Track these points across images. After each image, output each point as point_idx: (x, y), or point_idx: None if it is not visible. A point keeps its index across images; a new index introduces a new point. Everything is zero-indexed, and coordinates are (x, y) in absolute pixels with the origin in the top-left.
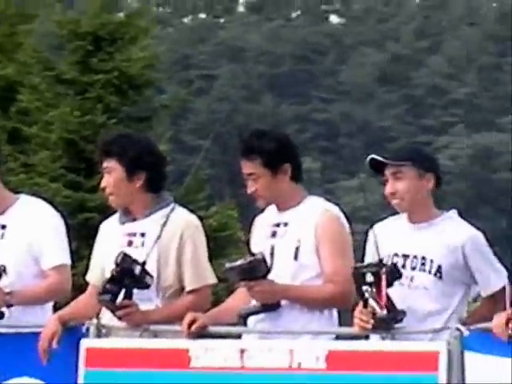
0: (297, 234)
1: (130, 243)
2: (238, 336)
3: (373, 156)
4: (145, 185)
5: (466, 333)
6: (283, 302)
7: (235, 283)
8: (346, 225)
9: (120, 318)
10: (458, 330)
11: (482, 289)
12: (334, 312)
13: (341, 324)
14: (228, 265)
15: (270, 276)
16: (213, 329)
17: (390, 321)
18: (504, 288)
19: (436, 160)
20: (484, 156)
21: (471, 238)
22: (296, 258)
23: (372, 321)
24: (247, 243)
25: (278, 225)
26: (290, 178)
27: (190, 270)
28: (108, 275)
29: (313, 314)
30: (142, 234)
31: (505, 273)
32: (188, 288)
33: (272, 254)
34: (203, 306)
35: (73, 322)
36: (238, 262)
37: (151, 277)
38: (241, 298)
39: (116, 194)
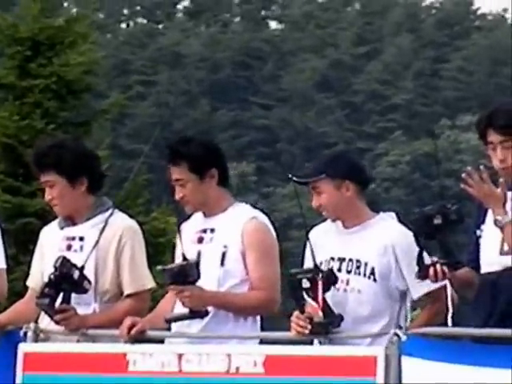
0: (223, 240)
1: (69, 247)
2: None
3: (290, 176)
4: (88, 188)
5: (403, 337)
6: (209, 309)
7: (166, 286)
8: (273, 232)
9: (58, 323)
10: (395, 334)
11: (412, 290)
12: (258, 318)
13: (263, 330)
14: (160, 267)
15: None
16: (151, 333)
17: (327, 325)
18: (439, 289)
19: (354, 165)
20: (423, 162)
21: (401, 237)
22: (222, 263)
23: (309, 326)
24: (173, 249)
25: (204, 231)
26: (217, 183)
27: (128, 274)
28: (46, 279)
29: (237, 321)
30: (81, 238)
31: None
32: (126, 292)
33: (198, 260)
34: (141, 311)
35: (11, 327)
36: (171, 265)
37: (89, 282)
38: (171, 301)
39: (62, 204)
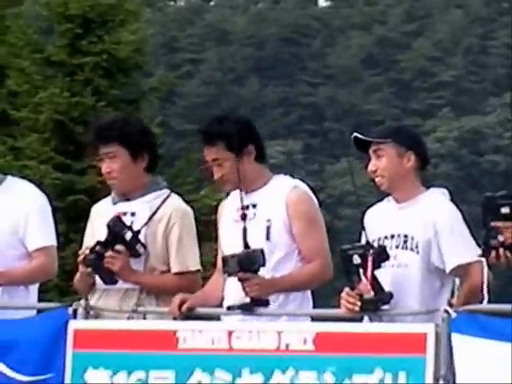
0: (266, 214)
1: None
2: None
3: (356, 134)
4: (147, 165)
5: (453, 315)
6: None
7: (233, 273)
8: (315, 199)
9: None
10: (445, 311)
11: (446, 262)
12: (309, 296)
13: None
14: (227, 254)
15: None
16: (201, 310)
17: (376, 302)
18: (471, 265)
19: (420, 140)
20: (471, 139)
21: (444, 213)
22: (268, 238)
23: (359, 303)
24: (215, 233)
25: (246, 207)
26: (255, 160)
27: (174, 253)
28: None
29: (287, 298)
30: (132, 214)
31: (477, 251)
32: (173, 270)
33: (245, 238)
34: (189, 290)
35: (59, 304)
36: (237, 252)
37: (143, 246)
38: (218, 282)
39: (121, 178)
